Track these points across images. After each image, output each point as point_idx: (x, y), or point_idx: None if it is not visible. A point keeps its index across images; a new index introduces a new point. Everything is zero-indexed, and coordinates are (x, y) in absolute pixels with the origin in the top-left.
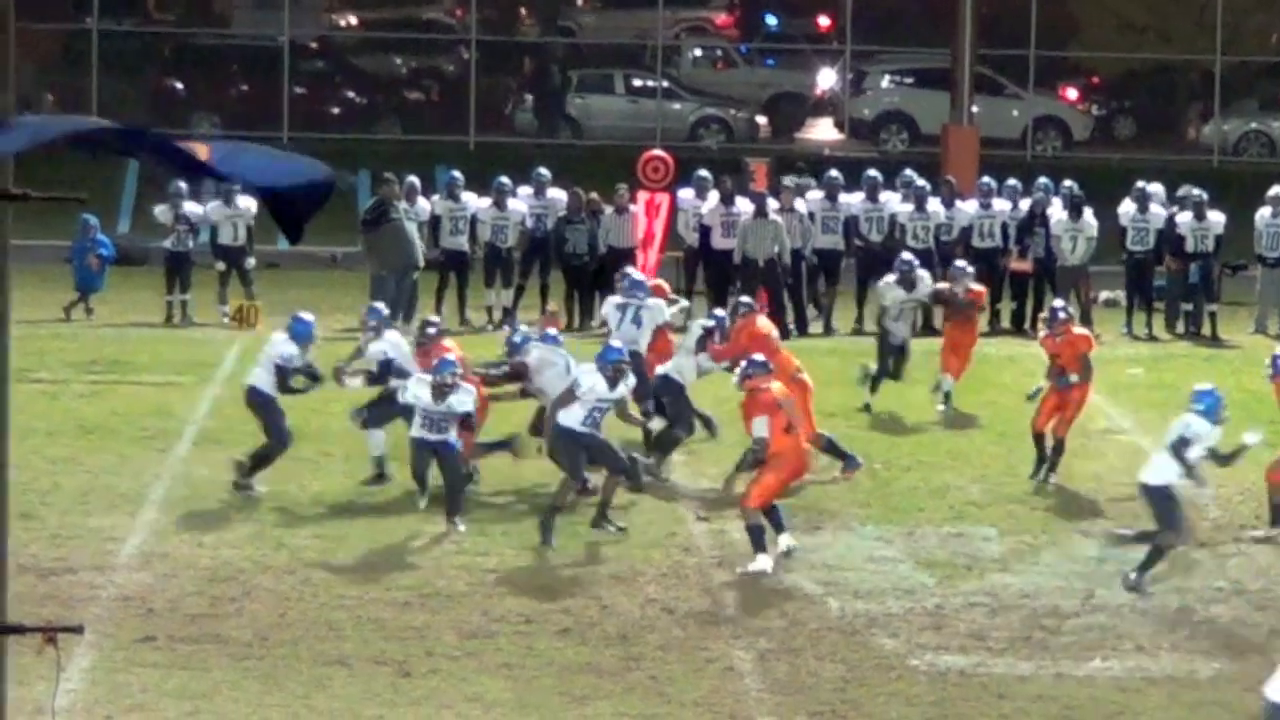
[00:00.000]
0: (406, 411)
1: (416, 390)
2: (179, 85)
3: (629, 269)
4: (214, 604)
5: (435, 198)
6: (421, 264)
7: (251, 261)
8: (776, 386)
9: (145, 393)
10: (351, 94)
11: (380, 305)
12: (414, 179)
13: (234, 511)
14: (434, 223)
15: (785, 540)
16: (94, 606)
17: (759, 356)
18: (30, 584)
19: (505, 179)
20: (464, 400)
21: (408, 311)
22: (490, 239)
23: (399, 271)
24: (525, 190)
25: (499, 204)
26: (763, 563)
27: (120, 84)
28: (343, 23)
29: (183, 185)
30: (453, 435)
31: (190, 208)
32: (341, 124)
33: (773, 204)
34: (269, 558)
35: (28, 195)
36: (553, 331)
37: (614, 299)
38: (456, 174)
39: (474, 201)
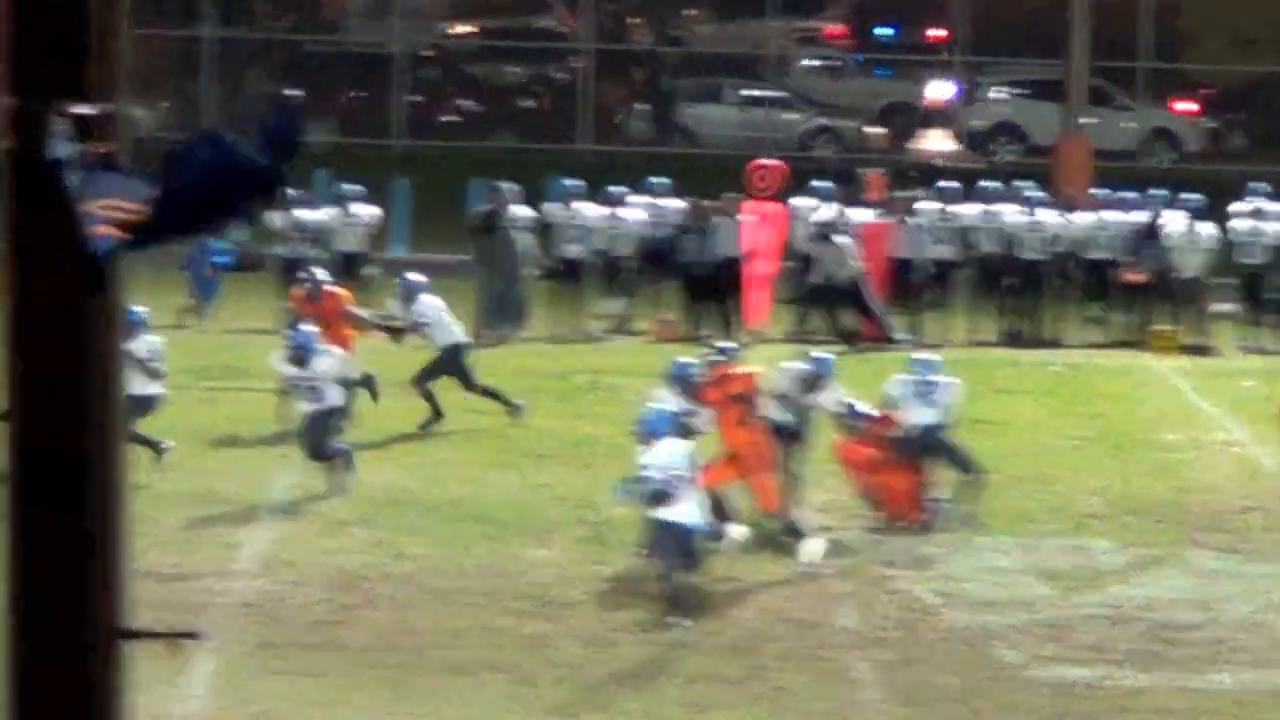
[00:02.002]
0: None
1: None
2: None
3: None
4: (335, 611)
5: (549, 206)
6: (532, 272)
7: (371, 269)
8: (742, 380)
9: (262, 399)
10: (464, 102)
11: (413, 277)
12: (516, 187)
13: (354, 519)
14: (548, 231)
15: (736, 530)
16: (214, 613)
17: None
18: (150, 590)
19: (619, 187)
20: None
21: (517, 319)
22: (604, 247)
23: (507, 279)
24: (640, 199)
25: (613, 212)
26: (813, 547)
27: (230, 92)
28: (454, 31)
29: (298, 193)
30: None
31: (306, 215)
32: (453, 132)
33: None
34: (390, 565)
35: None
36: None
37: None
38: (571, 182)
39: (588, 209)
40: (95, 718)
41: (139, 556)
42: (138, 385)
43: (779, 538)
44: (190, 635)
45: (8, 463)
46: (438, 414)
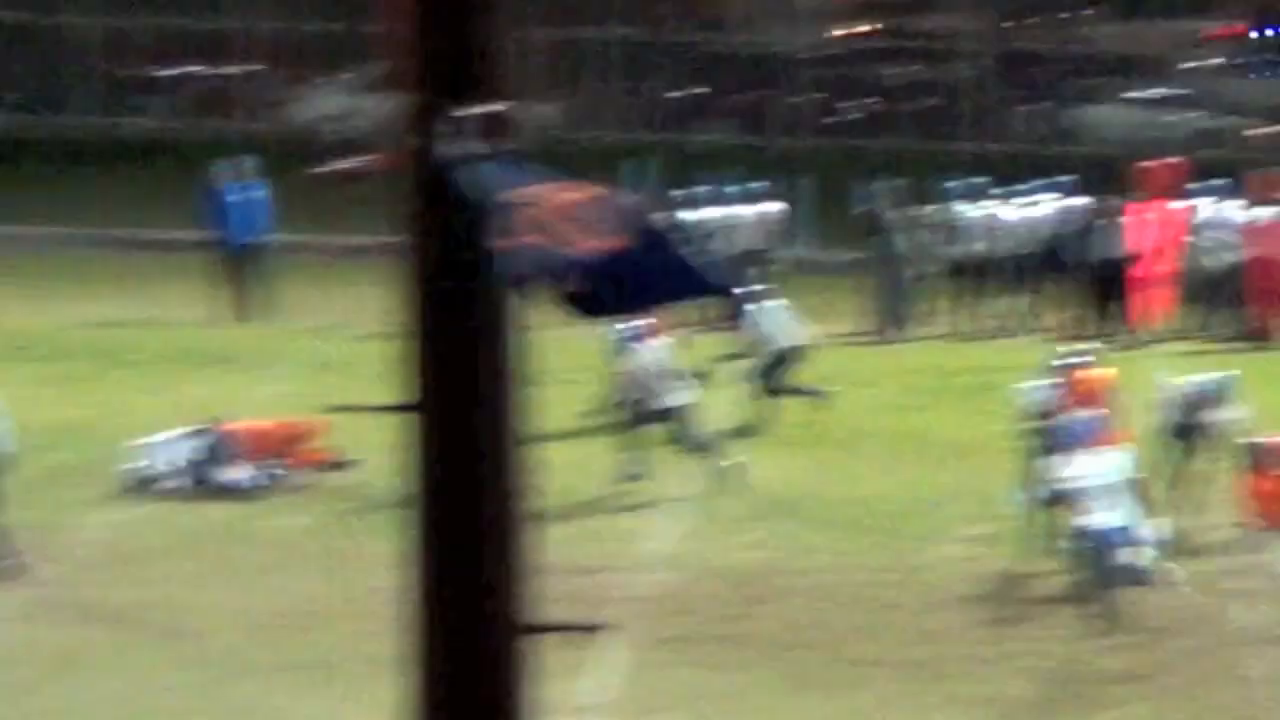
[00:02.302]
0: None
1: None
2: (684, 94)
3: None
4: (743, 605)
5: (946, 204)
6: (925, 271)
7: (773, 267)
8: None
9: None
10: (854, 102)
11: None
12: (899, 186)
13: (764, 513)
14: (945, 230)
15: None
16: (622, 606)
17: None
18: (559, 583)
19: (1016, 185)
20: None
21: (903, 318)
22: (1003, 245)
23: (893, 278)
24: (1038, 197)
25: (1011, 211)
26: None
27: (630, 92)
28: (846, 31)
29: (684, 192)
30: None
31: (708, 214)
32: (845, 131)
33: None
34: (798, 559)
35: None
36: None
37: None
38: (968, 181)
39: (986, 208)
40: (500, 710)
41: (549, 549)
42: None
43: None
44: (592, 628)
45: (414, 456)
46: (814, 393)
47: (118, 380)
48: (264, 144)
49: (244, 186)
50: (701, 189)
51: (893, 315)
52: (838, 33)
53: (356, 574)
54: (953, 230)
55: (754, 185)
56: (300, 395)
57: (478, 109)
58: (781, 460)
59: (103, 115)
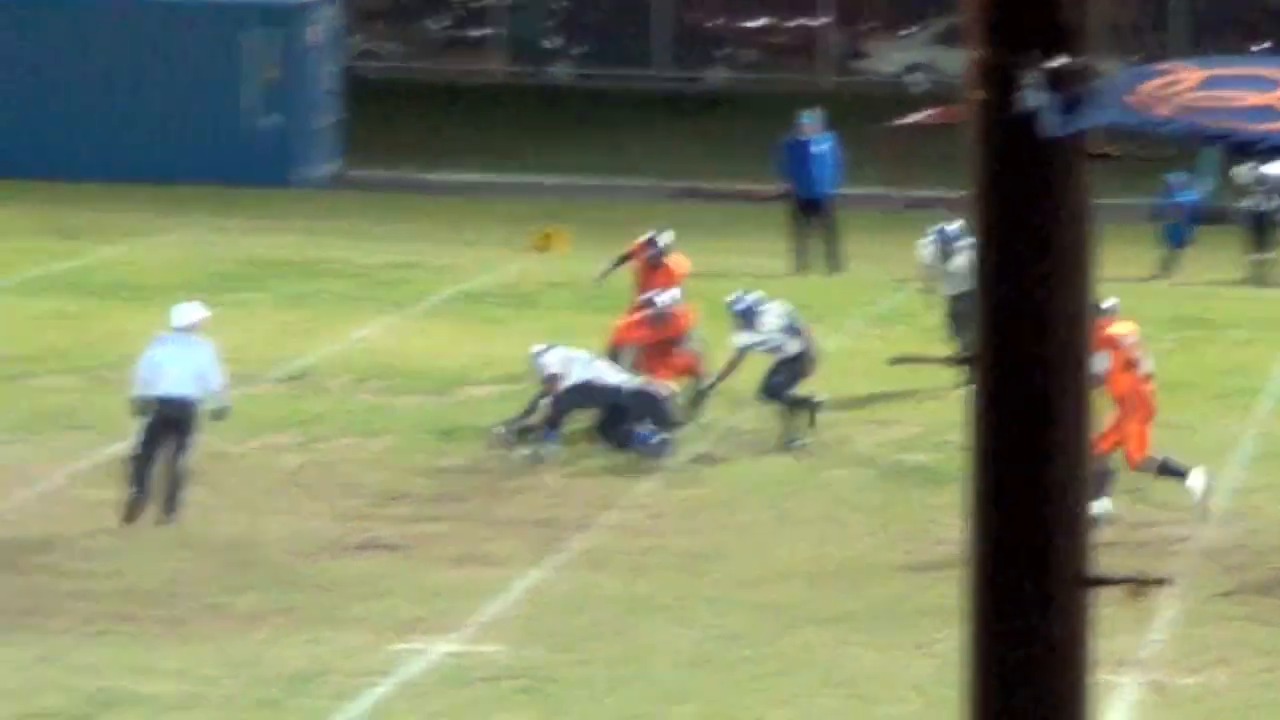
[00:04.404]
0: None
1: None
2: (1260, 48)
3: None
4: None
5: None
6: None
7: None
8: (1123, 327)
9: (1226, 351)
10: None
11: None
12: None
13: None
14: None
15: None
16: (1178, 560)
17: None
18: (1118, 536)
19: None
20: None
21: None
22: None
23: None
24: None
25: None
26: (1196, 478)
27: (1192, 47)
28: None
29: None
30: None
31: (1270, 169)
32: None
33: None
34: None
35: (1108, 155)
36: None
37: None
38: None
39: None
40: (1058, 662)
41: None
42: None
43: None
44: (1155, 581)
45: (975, 408)
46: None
47: None
48: (836, 97)
49: (817, 139)
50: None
51: None
52: None
53: (914, 526)
54: None
55: None
56: (862, 349)
57: (1054, 62)
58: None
59: (678, 68)
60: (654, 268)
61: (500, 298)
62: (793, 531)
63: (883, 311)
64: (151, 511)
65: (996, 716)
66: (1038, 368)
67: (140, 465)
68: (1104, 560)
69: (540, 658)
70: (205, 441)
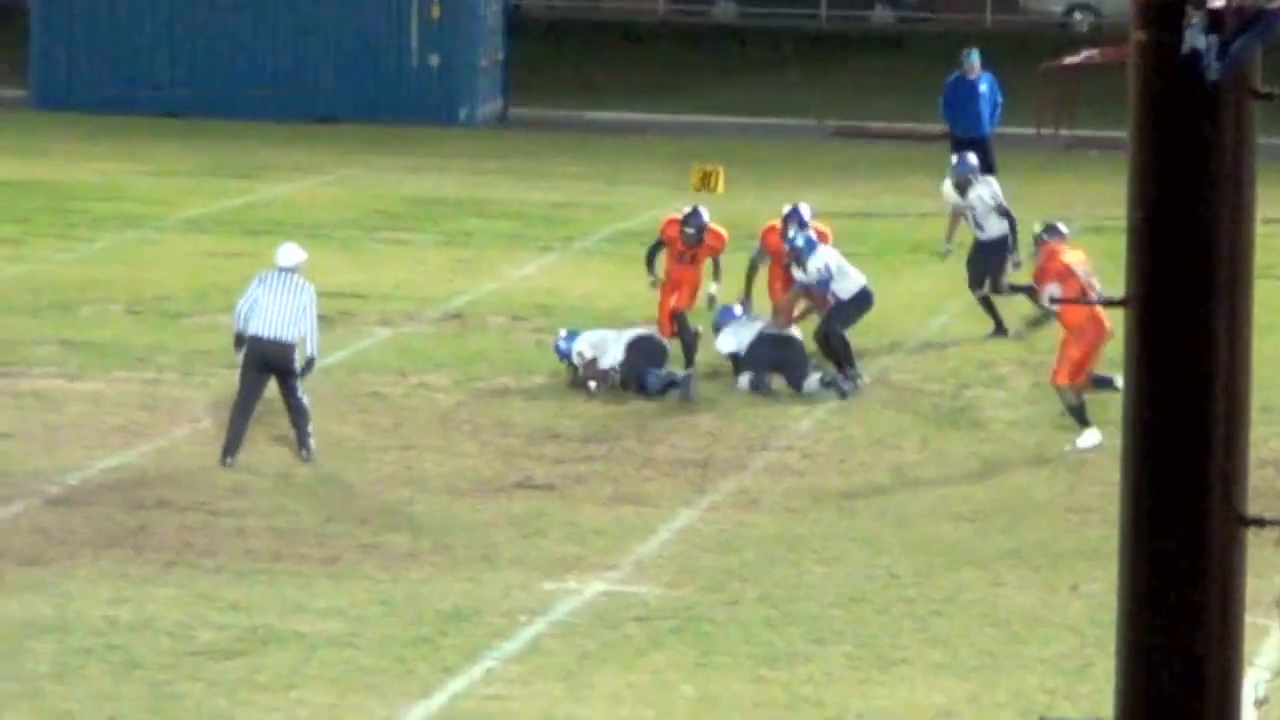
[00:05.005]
0: None
1: None
2: None
3: None
4: None
5: None
6: None
7: None
8: (1074, 255)
9: None
10: None
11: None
12: None
13: None
14: None
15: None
16: None
17: (1059, 225)
18: (1269, 478)
19: None
20: None
21: None
22: None
23: None
24: None
25: None
26: (1091, 437)
27: None
28: None
29: None
30: None
31: None
32: None
33: None
34: None
35: (1271, 94)
36: None
37: None
38: None
39: None
40: (1213, 600)
41: (1259, 445)
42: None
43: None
44: None
45: (1133, 350)
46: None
47: None
48: (998, 36)
49: (979, 79)
50: None
51: None
52: None
53: (1070, 465)
54: None
55: None
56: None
57: (1218, 2)
58: None
59: (842, 7)
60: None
61: (654, 235)
62: (945, 471)
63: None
64: (275, 453)
65: (1150, 657)
66: (1198, 306)
67: (237, 405)
68: (1257, 501)
69: (692, 597)
70: (366, 380)
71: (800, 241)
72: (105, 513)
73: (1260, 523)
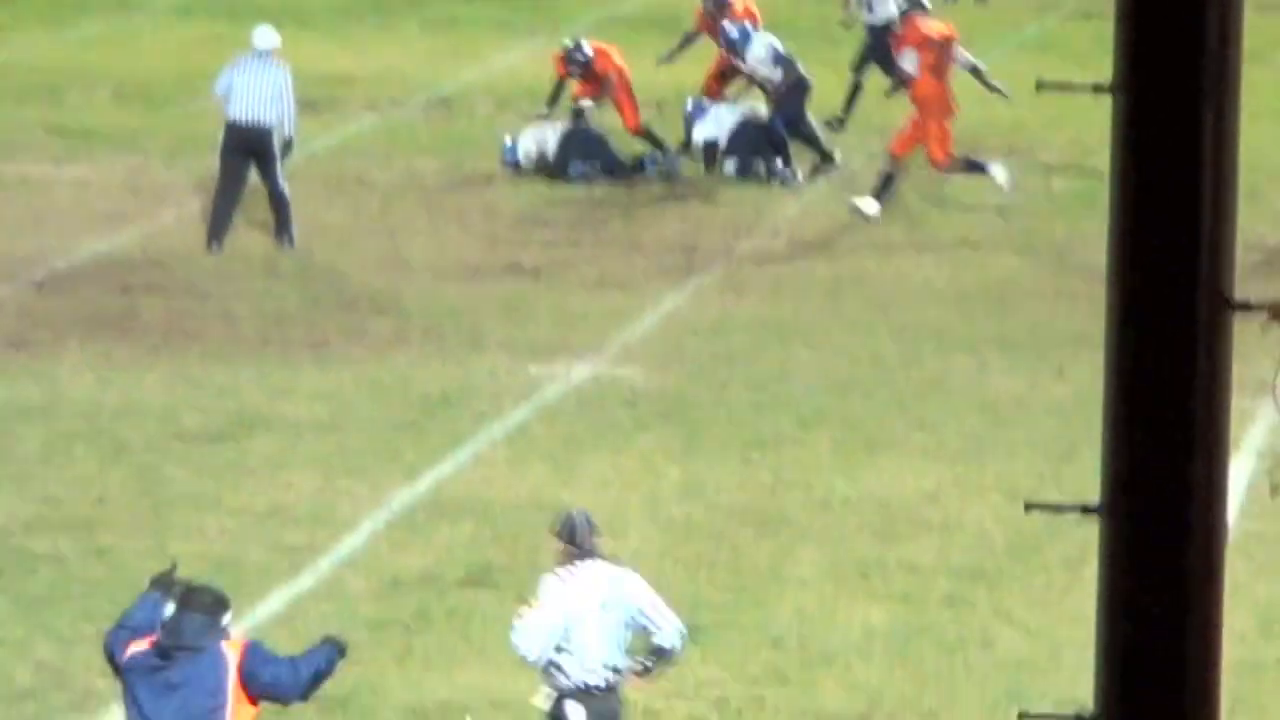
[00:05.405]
0: None
1: None
2: None
3: None
4: None
5: None
6: None
7: None
8: (934, 25)
9: None
10: None
11: None
12: None
13: None
14: None
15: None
16: None
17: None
18: (1255, 263)
19: None
20: None
21: None
22: None
23: None
24: None
25: None
26: (870, 207)
27: None
28: None
29: None
30: None
31: None
32: None
33: None
34: None
35: None
36: None
37: None
38: None
39: None
40: (1198, 383)
41: (1244, 230)
42: None
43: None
44: None
45: (1121, 136)
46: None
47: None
48: None
49: None
50: None
51: None
52: None
53: (1057, 249)
54: None
55: None
56: (1008, 76)
57: None
58: None
59: None
60: None
61: (644, 21)
62: (932, 255)
63: (1027, 38)
64: (252, 238)
65: (1135, 439)
66: (1185, 94)
67: (219, 190)
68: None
69: (678, 381)
70: (352, 165)
71: (735, 33)
72: (92, 297)
73: (1246, 306)
